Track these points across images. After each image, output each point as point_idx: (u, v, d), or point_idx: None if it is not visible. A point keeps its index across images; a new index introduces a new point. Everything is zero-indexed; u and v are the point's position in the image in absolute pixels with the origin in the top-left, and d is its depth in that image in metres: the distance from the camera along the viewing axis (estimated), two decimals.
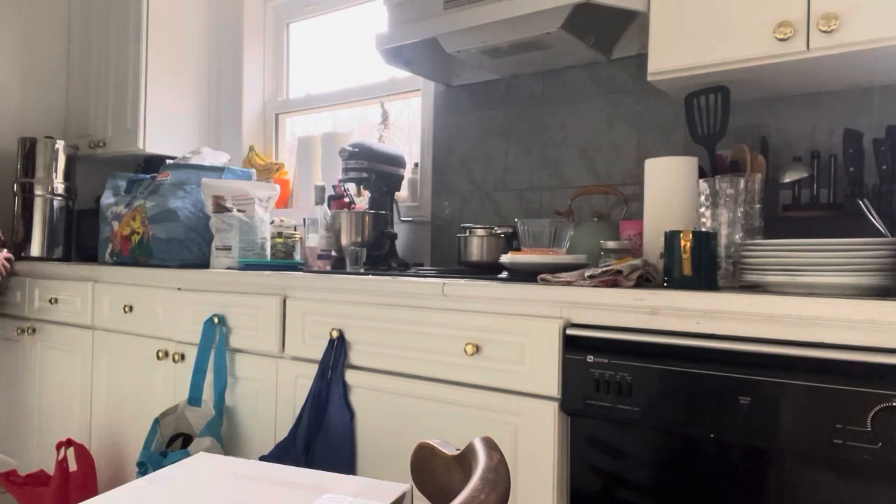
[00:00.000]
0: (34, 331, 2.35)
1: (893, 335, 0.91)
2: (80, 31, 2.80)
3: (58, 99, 2.83)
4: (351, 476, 0.96)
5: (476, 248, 1.70)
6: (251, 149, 2.69)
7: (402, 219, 2.22)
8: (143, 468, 1.64)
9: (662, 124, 1.75)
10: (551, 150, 1.94)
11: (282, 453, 1.50)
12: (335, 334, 1.50)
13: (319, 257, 1.90)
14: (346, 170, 1.96)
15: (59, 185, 2.53)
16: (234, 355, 1.73)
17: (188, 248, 2.00)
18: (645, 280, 1.24)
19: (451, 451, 0.67)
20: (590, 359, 1.15)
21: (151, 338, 1.95)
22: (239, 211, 1.95)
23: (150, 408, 1.94)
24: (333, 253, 1.90)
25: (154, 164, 2.66)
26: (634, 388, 1.10)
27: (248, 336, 1.69)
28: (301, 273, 1.63)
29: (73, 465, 1.95)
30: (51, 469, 2.22)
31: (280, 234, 2.14)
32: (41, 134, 2.75)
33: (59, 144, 2.54)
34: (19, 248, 2.49)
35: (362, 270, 1.68)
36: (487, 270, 1.68)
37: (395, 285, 1.40)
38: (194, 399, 1.73)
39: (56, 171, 2.53)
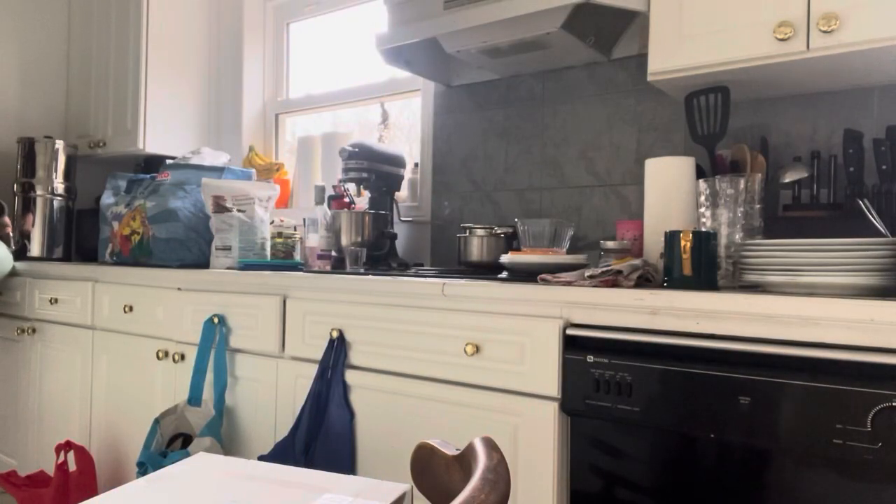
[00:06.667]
0: (34, 331, 2.35)
1: (893, 335, 0.91)
2: (80, 31, 2.80)
3: (58, 99, 2.83)
4: (351, 476, 0.96)
5: (476, 248, 1.70)
6: (251, 149, 2.69)
7: (402, 219, 2.22)
8: (143, 468, 1.64)
9: (662, 124, 1.75)
10: (551, 150, 1.94)
11: (281, 453, 1.50)
12: (335, 334, 1.50)
13: (319, 257, 1.90)
14: (346, 170, 1.96)
15: (59, 185, 2.53)
16: (234, 355, 1.73)
17: (188, 248, 2.00)
18: (645, 280, 1.24)
19: (451, 451, 0.67)
20: (590, 359, 1.15)
21: (151, 338, 1.95)
22: (239, 211, 1.95)
23: (150, 408, 1.94)
24: (333, 253, 1.90)
25: (154, 164, 2.66)
26: (634, 388, 1.10)
27: (247, 336, 1.69)
28: (301, 273, 1.63)
29: (72, 466, 1.95)
30: (50, 469, 2.22)
31: (280, 234, 2.14)
32: (41, 134, 2.75)
33: (59, 144, 2.54)
34: (19, 247, 2.49)
35: (362, 270, 1.68)
36: (487, 270, 1.68)
37: (395, 285, 1.40)
38: (194, 399, 1.73)
39: (56, 171, 2.53)
